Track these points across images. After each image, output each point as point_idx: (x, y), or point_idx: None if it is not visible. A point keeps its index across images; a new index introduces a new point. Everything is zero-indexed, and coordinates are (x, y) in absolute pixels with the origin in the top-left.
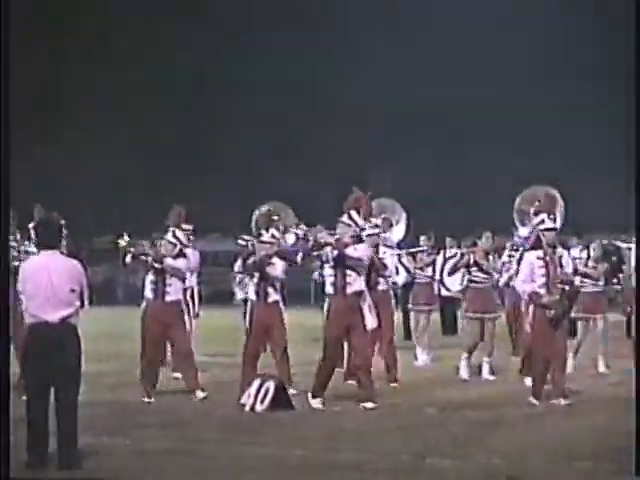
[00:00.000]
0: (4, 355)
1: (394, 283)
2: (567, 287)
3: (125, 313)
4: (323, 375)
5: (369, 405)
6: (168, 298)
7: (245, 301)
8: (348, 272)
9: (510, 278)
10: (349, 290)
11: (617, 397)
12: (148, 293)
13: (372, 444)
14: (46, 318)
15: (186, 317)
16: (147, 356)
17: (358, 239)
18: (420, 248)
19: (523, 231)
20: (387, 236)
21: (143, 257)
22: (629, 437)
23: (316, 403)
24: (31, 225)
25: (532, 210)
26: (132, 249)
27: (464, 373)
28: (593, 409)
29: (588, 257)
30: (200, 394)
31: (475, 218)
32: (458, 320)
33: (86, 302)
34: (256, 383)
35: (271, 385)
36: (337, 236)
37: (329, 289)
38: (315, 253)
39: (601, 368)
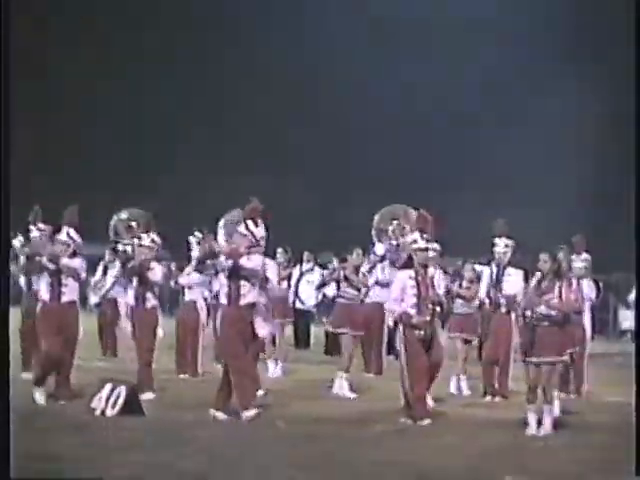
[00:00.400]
0: (4, 353)
1: None
2: (438, 308)
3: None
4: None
5: (220, 415)
6: (64, 298)
7: (98, 305)
8: (242, 283)
9: (365, 295)
10: (242, 301)
11: (473, 418)
12: (44, 294)
13: (219, 455)
14: None
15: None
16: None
17: (253, 250)
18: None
19: (379, 249)
20: None
21: (37, 258)
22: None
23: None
24: None
25: (390, 228)
26: (26, 249)
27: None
28: (449, 430)
29: (462, 278)
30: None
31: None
32: (311, 334)
33: None
34: (107, 387)
35: (123, 390)
36: (233, 245)
37: (222, 299)
38: (209, 261)
39: (452, 389)
